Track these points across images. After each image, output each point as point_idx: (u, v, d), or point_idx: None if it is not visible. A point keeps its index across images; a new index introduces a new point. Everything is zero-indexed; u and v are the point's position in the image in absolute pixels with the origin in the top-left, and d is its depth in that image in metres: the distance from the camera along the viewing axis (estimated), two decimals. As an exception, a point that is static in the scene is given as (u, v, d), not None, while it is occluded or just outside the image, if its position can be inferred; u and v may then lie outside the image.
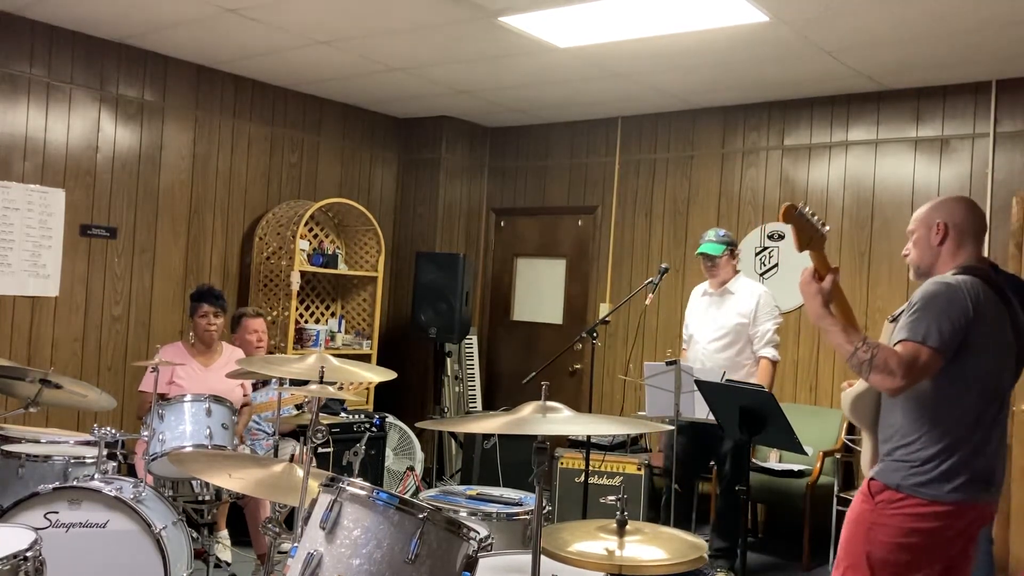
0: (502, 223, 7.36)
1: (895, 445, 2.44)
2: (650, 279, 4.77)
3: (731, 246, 4.81)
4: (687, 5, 4.25)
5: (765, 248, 5.91)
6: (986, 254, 5.28)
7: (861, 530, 2.43)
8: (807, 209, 2.57)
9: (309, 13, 4.66)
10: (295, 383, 4.10)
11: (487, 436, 5.61)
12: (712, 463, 4.90)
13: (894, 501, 2.39)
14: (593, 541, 2.35)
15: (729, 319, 4.72)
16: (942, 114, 5.34)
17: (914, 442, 2.40)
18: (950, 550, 2.38)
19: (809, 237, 2.57)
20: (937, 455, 2.36)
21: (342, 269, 6.48)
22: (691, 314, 4.96)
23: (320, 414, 2.74)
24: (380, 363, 6.05)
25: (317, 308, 6.61)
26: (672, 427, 4.24)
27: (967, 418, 2.38)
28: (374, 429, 5.49)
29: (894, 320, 2.51)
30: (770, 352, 4.68)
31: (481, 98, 6.35)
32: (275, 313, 5.91)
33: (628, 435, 5.37)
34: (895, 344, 2.39)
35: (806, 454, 3.96)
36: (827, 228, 2.62)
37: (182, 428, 3.76)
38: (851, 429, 5.47)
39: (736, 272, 4.84)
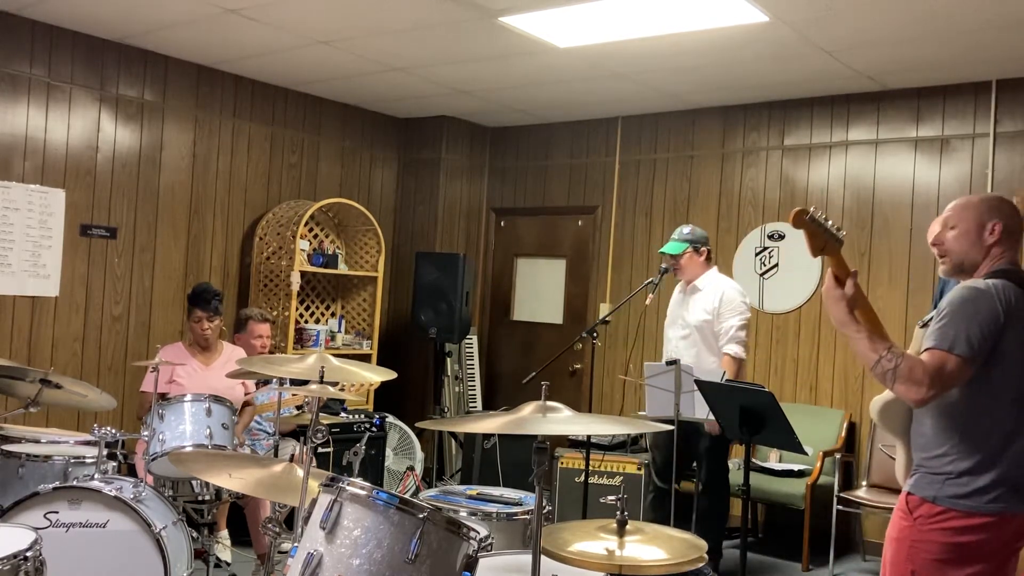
0: (502, 223, 7.36)
1: (927, 456, 2.35)
2: (650, 279, 4.77)
3: (695, 244, 4.71)
4: (687, 5, 4.25)
5: (765, 248, 5.91)
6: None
7: (903, 548, 2.34)
8: (819, 213, 2.40)
9: (309, 13, 4.66)
10: (295, 383, 4.10)
11: (487, 436, 5.61)
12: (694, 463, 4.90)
13: (933, 515, 2.29)
14: (593, 541, 2.35)
15: (694, 316, 4.68)
16: (942, 114, 5.34)
17: (945, 454, 2.31)
18: (995, 562, 2.29)
19: (823, 243, 2.41)
20: (971, 468, 2.27)
21: (342, 269, 6.48)
22: (669, 310, 4.91)
23: (320, 414, 2.74)
24: (380, 363, 6.05)
25: (317, 308, 6.61)
26: (671, 427, 4.24)
27: (1000, 429, 2.29)
28: (374, 429, 5.49)
29: (924, 325, 2.43)
30: (732, 348, 4.57)
31: (481, 98, 6.35)
32: (275, 313, 5.91)
33: (628, 435, 5.37)
34: (922, 352, 2.30)
35: (806, 454, 3.96)
36: (843, 233, 2.45)
37: (182, 428, 3.76)
38: (851, 429, 5.48)
39: (708, 268, 4.75)
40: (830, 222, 2.43)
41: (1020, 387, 2.30)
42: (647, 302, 4.80)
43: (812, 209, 2.41)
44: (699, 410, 4.11)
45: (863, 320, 2.43)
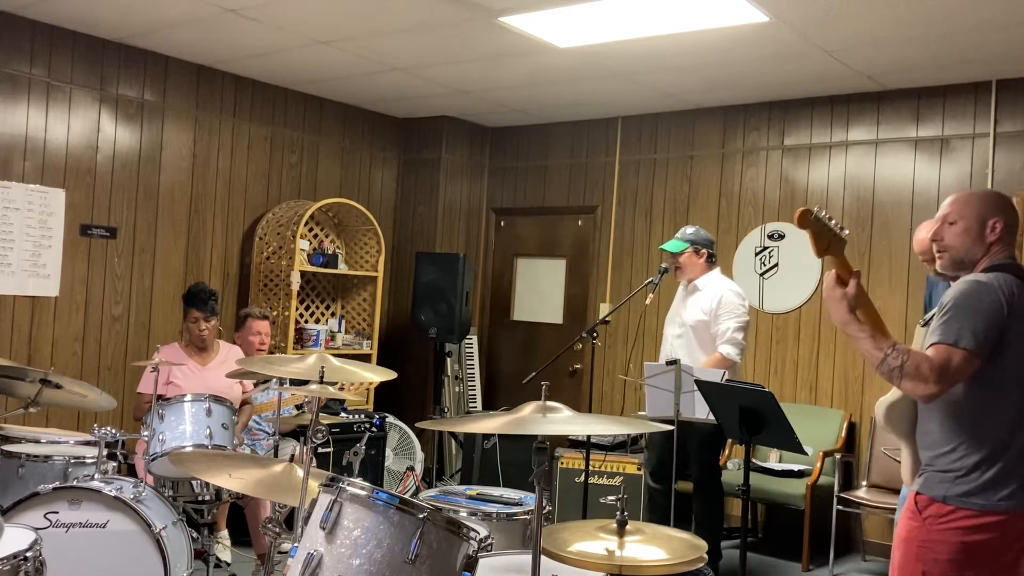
0: (502, 223, 7.36)
1: (935, 454, 2.33)
2: (650, 279, 4.77)
3: (696, 244, 4.68)
4: (687, 5, 4.25)
5: (765, 248, 5.91)
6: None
7: (912, 549, 2.32)
8: (823, 213, 2.41)
9: (309, 13, 4.66)
10: (295, 383, 4.10)
11: (487, 436, 5.61)
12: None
13: (943, 515, 2.27)
14: (593, 541, 2.35)
15: (690, 315, 4.65)
16: (942, 114, 5.34)
17: (954, 450, 2.30)
18: (1006, 560, 2.27)
19: (827, 243, 2.42)
20: (980, 463, 2.26)
21: (342, 269, 6.48)
22: (672, 308, 4.92)
23: (320, 414, 2.74)
24: (380, 363, 6.05)
25: (317, 308, 6.61)
26: (671, 427, 4.24)
27: (1007, 422, 2.27)
28: (374, 429, 5.49)
29: (925, 324, 2.41)
30: (727, 349, 4.49)
31: (481, 98, 6.35)
32: (275, 313, 5.91)
33: (628, 435, 5.37)
34: (927, 347, 2.28)
35: (806, 454, 3.96)
36: (846, 232, 2.46)
37: (182, 428, 3.76)
38: (851, 429, 5.48)
39: (709, 269, 4.72)
40: (833, 221, 2.43)
41: None
42: (647, 302, 4.80)
43: (816, 208, 2.40)
44: (699, 410, 4.11)
45: (865, 319, 2.41)
